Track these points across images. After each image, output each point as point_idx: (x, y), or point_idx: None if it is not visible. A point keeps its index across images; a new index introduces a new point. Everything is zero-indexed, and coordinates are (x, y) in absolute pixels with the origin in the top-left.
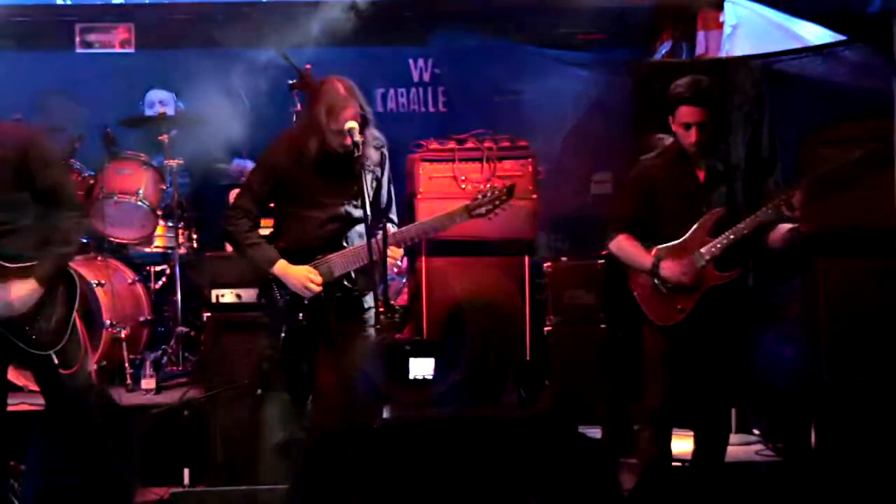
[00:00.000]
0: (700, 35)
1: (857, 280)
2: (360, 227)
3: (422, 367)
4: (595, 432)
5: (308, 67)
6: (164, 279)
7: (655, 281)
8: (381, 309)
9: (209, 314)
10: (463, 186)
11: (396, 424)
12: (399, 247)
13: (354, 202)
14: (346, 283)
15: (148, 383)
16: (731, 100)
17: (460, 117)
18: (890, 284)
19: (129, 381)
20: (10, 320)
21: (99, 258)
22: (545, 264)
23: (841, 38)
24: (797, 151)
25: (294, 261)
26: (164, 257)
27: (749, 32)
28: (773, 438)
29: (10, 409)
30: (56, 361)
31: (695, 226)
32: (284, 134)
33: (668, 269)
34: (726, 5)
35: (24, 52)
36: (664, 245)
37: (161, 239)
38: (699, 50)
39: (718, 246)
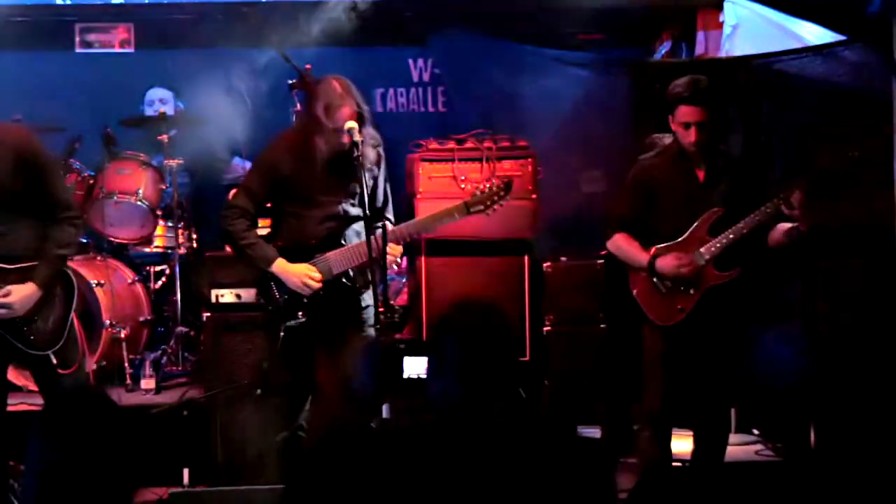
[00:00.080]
0: (700, 35)
1: (857, 280)
2: (357, 226)
3: (416, 367)
4: (595, 432)
5: (308, 67)
6: (163, 279)
7: (655, 280)
8: (381, 309)
9: (209, 314)
10: (462, 186)
11: (394, 424)
12: (398, 244)
13: (351, 200)
14: (344, 280)
15: (147, 383)
16: (731, 99)
17: (460, 117)
18: (890, 284)
19: (128, 381)
20: (9, 321)
21: (98, 258)
22: (545, 264)
23: (840, 38)
24: (797, 151)
25: (292, 260)
26: (163, 257)
27: (749, 32)
28: (773, 438)
29: (9, 409)
30: (54, 361)
31: (694, 225)
32: (283, 134)
33: (665, 263)
34: (726, 5)
35: (24, 52)
36: (663, 244)
37: (161, 239)
38: (699, 50)
39: (718, 245)
